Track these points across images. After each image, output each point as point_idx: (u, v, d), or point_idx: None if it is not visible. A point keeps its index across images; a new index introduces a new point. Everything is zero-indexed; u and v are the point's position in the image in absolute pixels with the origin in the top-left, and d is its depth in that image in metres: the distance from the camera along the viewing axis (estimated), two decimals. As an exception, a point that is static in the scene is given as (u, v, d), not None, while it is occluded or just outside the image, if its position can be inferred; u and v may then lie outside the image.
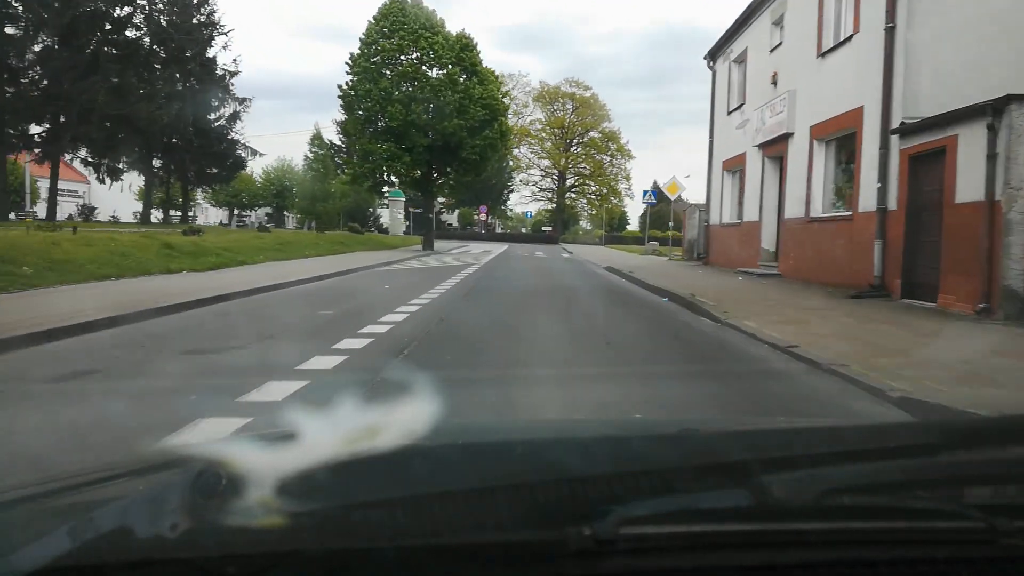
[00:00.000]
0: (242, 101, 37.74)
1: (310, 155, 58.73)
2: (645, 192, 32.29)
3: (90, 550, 0.67)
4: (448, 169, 32.41)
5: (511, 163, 76.28)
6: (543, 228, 62.81)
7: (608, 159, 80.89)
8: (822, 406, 4.50)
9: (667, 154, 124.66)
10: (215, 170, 39.09)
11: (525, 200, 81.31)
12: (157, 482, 0.89)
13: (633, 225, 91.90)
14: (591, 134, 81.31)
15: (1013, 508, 0.77)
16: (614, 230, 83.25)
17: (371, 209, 60.92)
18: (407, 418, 0.90)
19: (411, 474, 0.79)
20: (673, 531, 0.69)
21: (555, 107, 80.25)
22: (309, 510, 0.68)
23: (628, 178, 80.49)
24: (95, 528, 0.72)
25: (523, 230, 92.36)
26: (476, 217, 72.25)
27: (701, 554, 0.69)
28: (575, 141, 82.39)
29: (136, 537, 0.69)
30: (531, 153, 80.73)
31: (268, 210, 64.47)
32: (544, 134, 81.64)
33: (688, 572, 0.69)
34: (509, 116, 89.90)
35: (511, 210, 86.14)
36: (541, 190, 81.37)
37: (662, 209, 74.04)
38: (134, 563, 0.64)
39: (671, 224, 65.49)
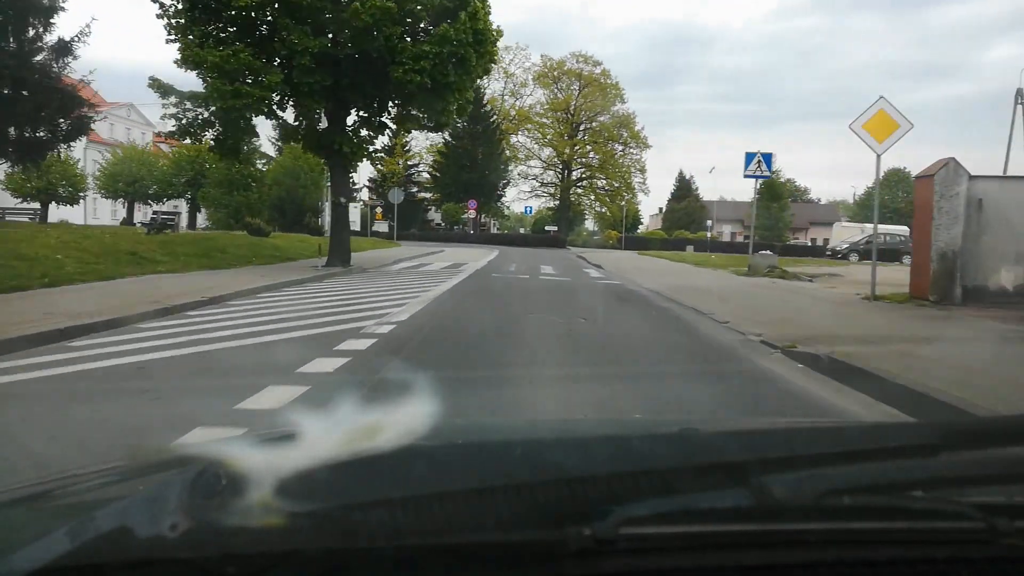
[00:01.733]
0: (51, 11, 22.17)
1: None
2: (749, 158, 17.25)
3: (90, 550, 0.67)
4: (373, 105, 16.95)
5: (506, 151, 61.45)
6: (546, 228, 48.34)
7: (620, 148, 66.43)
8: None
9: (666, 156, 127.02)
10: (29, 132, 23.48)
11: (524, 196, 66.27)
12: (157, 482, 0.87)
13: (645, 225, 77.68)
14: (601, 118, 66.96)
15: (1013, 508, 0.77)
16: (626, 230, 68.37)
17: (320, 203, 45.96)
18: (407, 418, 0.87)
19: (411, 474, 0.78)
20: (673, 531, 0.69)
21: (559, 86, 65.46)
22: (309, 510, 0.68)
23: (643, 170, 66.24)
24: (95, 528, 0.72)
25: (521, 230, 77.12)
26: (465, 215, 57.18)
27: (701, 554, 0.69)
28: (582, 127, 67.97)
29: (136, 537, 0.68)
30: (531, 141, 66.13)
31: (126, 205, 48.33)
32: (546, 119, 66.99)
33: (688, 572, 0.69)
34: (504, 96, 72.71)
35: (507, 207, 71.36)
36: (542, 184, 66.98)
37: (686, 204, 60.01)
38: (134, 563, 0.64)
39: (710, 223, 50.26)
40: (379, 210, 75.52)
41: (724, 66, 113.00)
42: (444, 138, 61.45)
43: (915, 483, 0.83)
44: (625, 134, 67.29)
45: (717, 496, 0.74)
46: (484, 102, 61.00)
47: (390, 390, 4.65)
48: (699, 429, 1.11)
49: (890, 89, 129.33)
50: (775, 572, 0.70)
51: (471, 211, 54.17)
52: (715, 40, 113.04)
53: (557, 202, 65.97)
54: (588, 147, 67.66)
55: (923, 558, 0.73)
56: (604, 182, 69.20)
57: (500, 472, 0.80)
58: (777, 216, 53.56)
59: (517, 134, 68.02)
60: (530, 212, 52.25)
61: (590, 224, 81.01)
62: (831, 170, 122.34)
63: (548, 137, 66.58)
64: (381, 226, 79.07)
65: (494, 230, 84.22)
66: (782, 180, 57.96)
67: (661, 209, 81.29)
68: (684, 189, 62.05)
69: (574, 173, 69.65)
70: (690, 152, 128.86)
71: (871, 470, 0.84)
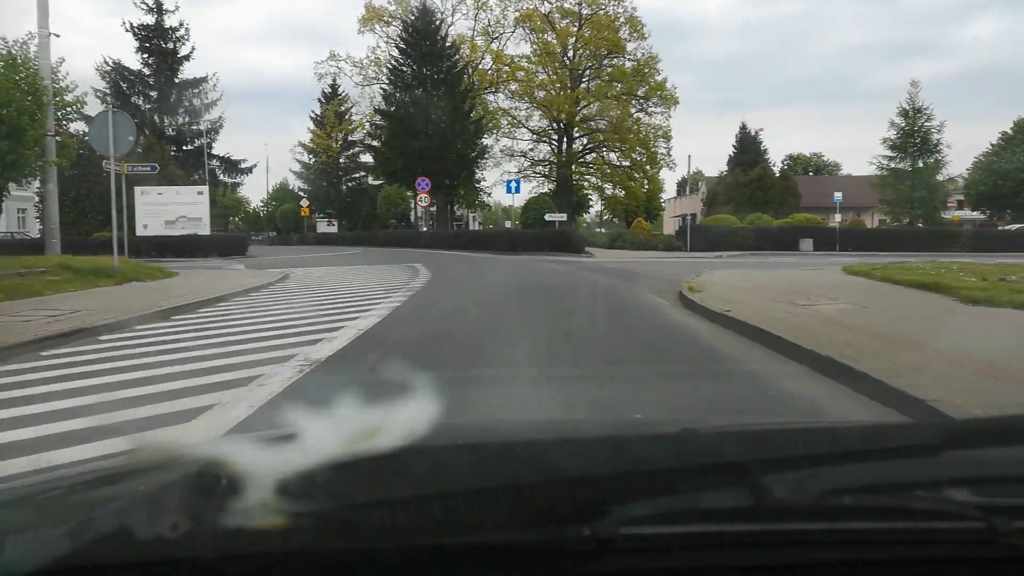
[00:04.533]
0: None
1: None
2: None
3: (90, 550, 0.67)
4: None
5: (479, 112, 41.20)
6: (548, 217, 28.43)
7: (640, 103, 46.49)
8: None
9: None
10: None
11: (510, 176, 46.19)
12: (157, 482, 0.87)
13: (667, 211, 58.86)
14: (612, 63, 46.99)
15: (1013, 508, 0.77)
16: (650, 217, 48.52)
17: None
18: (407, 418, 0.86)
19: (411, 474, 0.78)
20: (673, 531, 0.70)
21: (551, 20, 45.49)
22: (309, 510, 0.68)
23: (668, 137, 46.56)
24: (95, 528, 0.72)
25: (508, 224, 56.42)
26: (419, 204, 37.40)
27: (701, 554, 0.70)
28: (585, 75, 48.14)
29: (136, 537, 0.68)
30: (515, 102, 46.17)
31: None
32: (536, 64, 46.83)
33: (688, 572, 0.70)
34: (474, 35, 51.30)
35: (488, 193, 51.11)
36: (533, 164, 47.04)
37: (758, 174, 39.62)
38: (134, 563, 0.64)
39: (839, 199, 30.16)
40: (305, 203, 55.13)
41: (705, 53, 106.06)
42: (383, 88, 41.17)
43: (915, 483, 0.82)
44: (644, 88, 47.56)
45: (717, 496, 0.74)
46: (442, 34, 40.73)
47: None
48: (699, 429, 1.08)
49: (871, 69, 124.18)
50: (775, 572, 0.70)
51: (423, 194, 33.95)
52: (695, 28, 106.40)
53: (554, 184, 46.27)
54: (595, 104, 47.78)
55: (923, 558, 0.73)
56: (618, 153, 49.40)
57: (500, 472, 0.80)
58: (929, 183, 33.59)
59: (496, 90, 47.75)
60: (516, 190, 32.18)
61: (595, 212, 60.64)
62: (826, 153, 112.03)
63: (539, 95, 46.66)
64: (323, 227, 57.33)
65: (475, 225, 62.69)
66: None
67: (682, 191, 61.51)
68: (749, 153, 42.03)
69: (576, 143, 49.75)
70: (677, 139, 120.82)
71: (871, 470, 0.83)
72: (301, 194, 57.35)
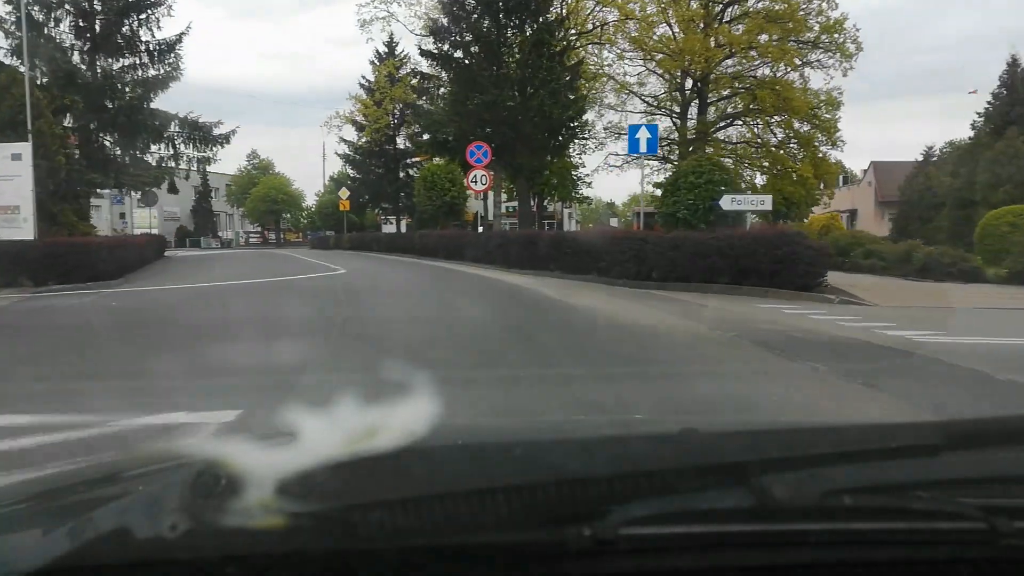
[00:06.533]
0: None
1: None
2: None
3: (90, 550, 0.67)
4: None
5: (578, 78, 25.74)
6: (728, 204, 13.59)
7: (805, 54, 29.42)
8: None
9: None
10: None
11: (615, 161, 30.93)
12: (157, 482, 0.87)
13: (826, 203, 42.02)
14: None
15: (1013, 508, 0.77)
16: (785, 217, 30.80)
17: None
18: (407, 418, 0.86)
19: (411, 474, 0.78)
20: (673, 531, 0.70)
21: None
22: (309, 510, 0.68)
23: (836, 104, 29.97)
24: (95, 528, 0.72)
25: (614, 222, 41.17)
26: (472, 186, 21.90)
27: (701, 554, 0.70)
28: (728, 9, 31.16)
29: (136, 537, 0.68)
30: (625, 63, 31.01)
31: None
32: (656, 8, 30.73)
33: (688, 572, 0.70)
34: None
35: (588, 183, 36.33)
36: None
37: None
38: (134, 563, 0.64)
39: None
40: (344, 194, 42.09)
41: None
42: (431, 22, 27.79)
43: (915, 483, 0.81)
44: (816, 26, 31.46)
45: (717, 496, 0.73)
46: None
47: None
48: (699, 429, 1.06)
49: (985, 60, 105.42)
50: (775, 572, 0.71)
51: (478, 170, 19.76)
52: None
53: (673, 164, 30.98)
54: (744, 49, 32.07)
55: (923, 559, 0.73)
56: (772, 124, 33.45)
57: (500, 472, 0.79)
58: None
59: (600, 43, 33.01)
60: (651, 147, 16.65)
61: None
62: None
63: (659, 39, 31.62)
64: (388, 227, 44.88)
65: (572, 225, 47.26)
66: None
67: (839, 181, 44.73)
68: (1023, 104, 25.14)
69: (711, 110, 34.24)
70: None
71: (871, 470, 0.83)
72: (350, 184, 44.72)
